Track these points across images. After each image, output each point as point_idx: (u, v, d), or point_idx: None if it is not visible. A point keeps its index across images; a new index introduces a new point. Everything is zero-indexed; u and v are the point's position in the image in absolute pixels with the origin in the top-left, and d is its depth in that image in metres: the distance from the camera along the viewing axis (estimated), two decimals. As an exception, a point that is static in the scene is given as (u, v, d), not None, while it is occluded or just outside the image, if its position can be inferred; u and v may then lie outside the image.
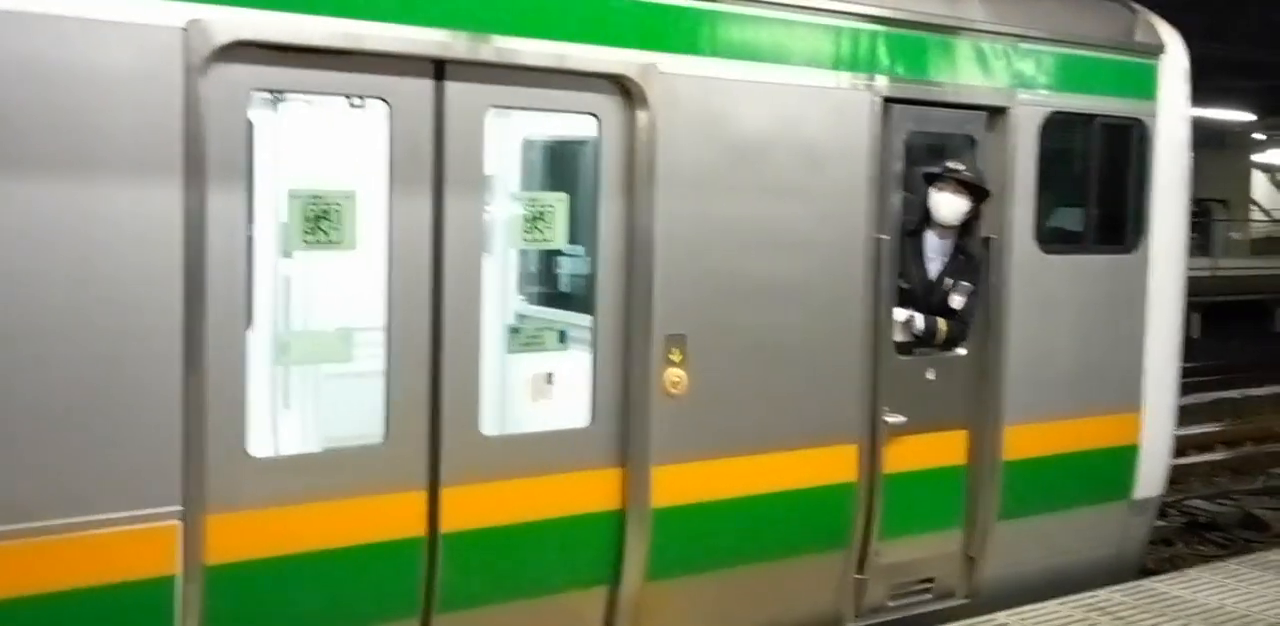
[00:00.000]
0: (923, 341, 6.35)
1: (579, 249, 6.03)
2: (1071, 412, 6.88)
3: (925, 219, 6.43)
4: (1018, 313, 6.59)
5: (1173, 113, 7.16)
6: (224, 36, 4.37)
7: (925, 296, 6.36)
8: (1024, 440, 6.64)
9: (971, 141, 6.50)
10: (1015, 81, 6.52)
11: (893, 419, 6.12)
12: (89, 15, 4.16)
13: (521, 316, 6.70)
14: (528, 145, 6.79)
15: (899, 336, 6.27)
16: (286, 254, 6.16)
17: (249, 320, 4.85)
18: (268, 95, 5.94)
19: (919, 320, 6.31)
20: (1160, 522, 9.50)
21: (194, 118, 4.32)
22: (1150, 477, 7.34)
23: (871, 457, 6.11)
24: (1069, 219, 7.04)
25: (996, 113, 6.50)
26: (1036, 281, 6.66)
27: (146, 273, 4.30)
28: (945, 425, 6.44)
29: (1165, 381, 7.31)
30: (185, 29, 4.30)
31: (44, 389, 4.17)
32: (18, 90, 4.07)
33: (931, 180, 6.39)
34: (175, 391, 4.36)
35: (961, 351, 6.51)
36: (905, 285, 6.28)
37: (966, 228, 6.45)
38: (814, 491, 5.94)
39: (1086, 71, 6.82)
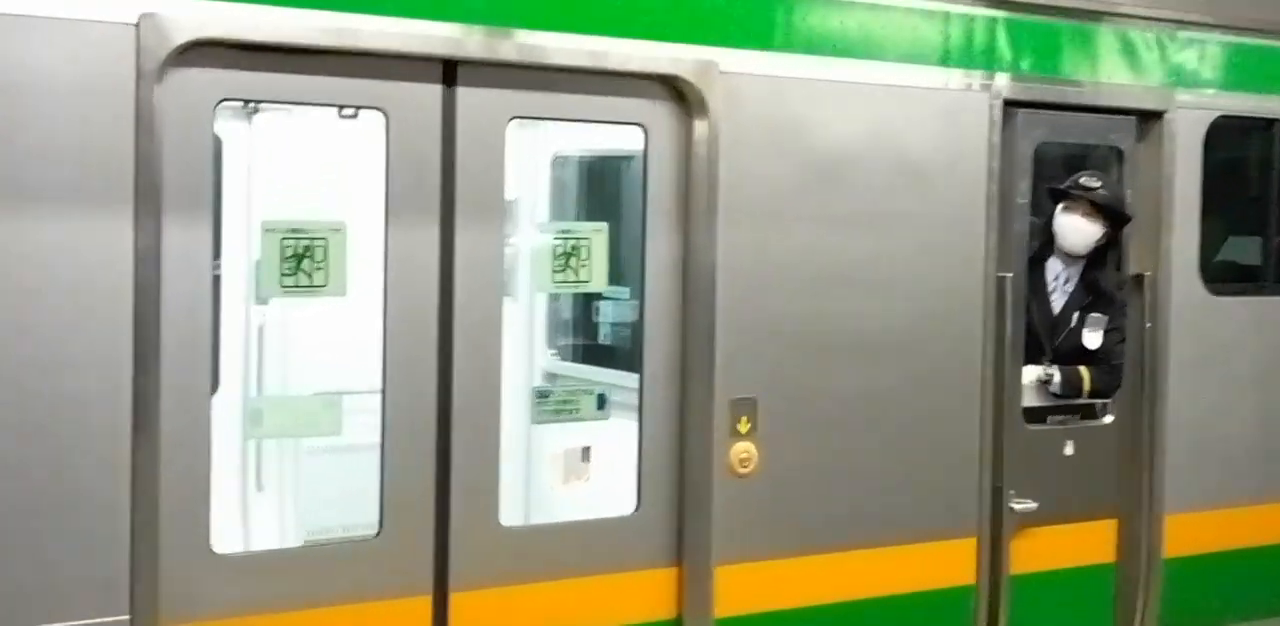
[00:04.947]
0: (1064, 396, 6.35)
1: (623, 292, 6.09)
2: (1252, 496, 6.85)
3: (1047, 243, 6.45)
4: (1180, 369, 6.56)
5: (1377, 114, 7.13)
6: (185, 34, 4.45)
7: (1049, 336, 6.37)
8: (1191, 532, 6.59)
9: (1118, 154, 6.51)
10: (1173, 78, 6.54)
11: (1021, 505, 6.10)
12: (15, 10, 4.24)
13: (552, 376, 6.75)
14: (559, 163, 6.87)
15: (1031, 399, 6.26)
16: (262, 300, 6.26)
17: (215, 383, 4.92)
18: (239, 105, 6.06)
19: (1056, 376, 6.30)
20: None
21: (147, 134, 4.40)
22: (1359, 579, 7.23)
23: (994, 555, 6.09)
24: (1243, 250, 7.03)
25: (1149, 117, 6.52)
26: (1203, 329, 6.64)
27: (88, 325, 4.37)
28: (1089, 513, 6.42)
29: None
30: (137, 25, 4.39)
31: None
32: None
33: (1058, 198, 6.41)
34: (122, 472, 4.41)
35: (1108, 418, 6.48)
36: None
37: (1097, 257, 6.45)
38: (921, 598, 5.92)
39: (1264, 65, 6.83)
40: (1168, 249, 6.53)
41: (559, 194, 6.95)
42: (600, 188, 6.94)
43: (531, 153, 6.75)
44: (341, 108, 5.56)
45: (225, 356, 6.22)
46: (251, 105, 6.10)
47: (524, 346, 6.65)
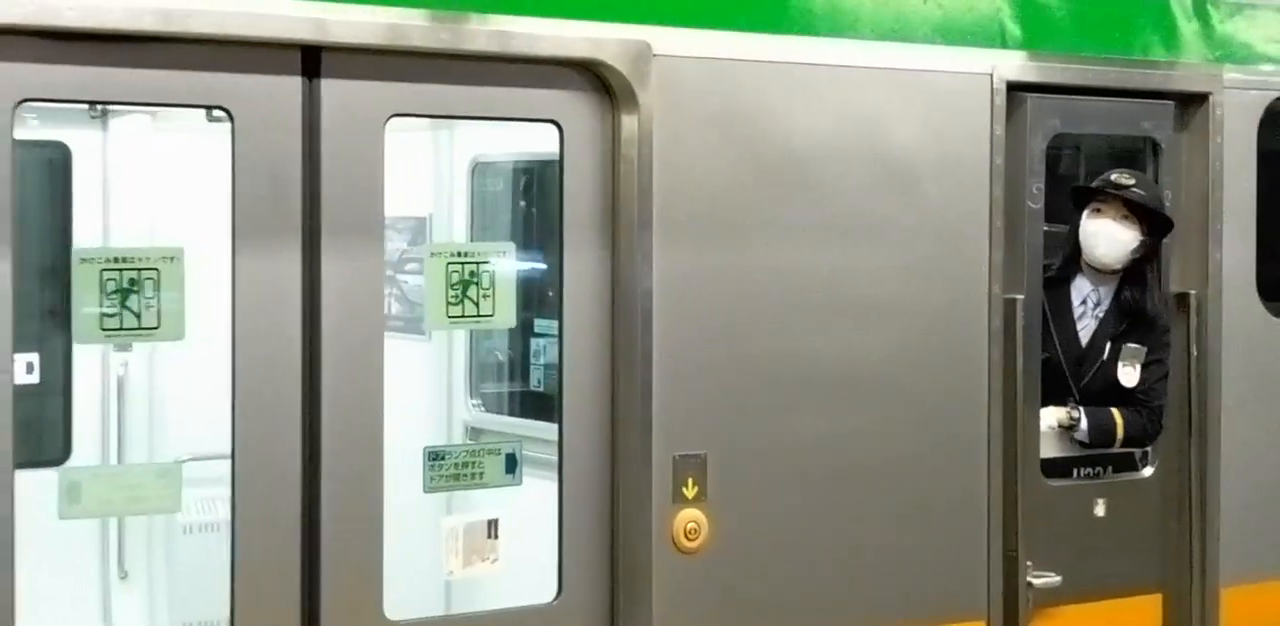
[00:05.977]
0: (1093, 444, 6.35)
1: (550, 325, 5.98)
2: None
3: (1072, 258, 6.43)
4: (1236, 407, 6.54)
5: None
6: (-25, 22, 4.40)
7: (1075, 372, 6.36)
8: (1252, 608, 6.55)
9: (1153, 147, 6.50)
10: (1220, 54, 6.55)
11: (1041, 579, 6.05)
12: None
13: (476, 431, 6.72)
14: (482, 171, 6.84)
15: (1052, 449, 6.25)
16: (123, 347, 6.25)
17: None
18: (85, 108, 6.10)
19: (1083, 420, 6.29)
20: None
21: None
22: None
23: (1009, 640, 6.07)
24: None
25: (1192, 101, 6.51)
26: (1262, 359, 6.65)
27: None
28: (1126, 587, 6.38)
29: None
30: (-88, 11, 4.35)
31: None
32: None
33: (1085, 200, 6.38)
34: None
35: (1148, 471, 6.45)
36: (1042, 355, 6.27)
37: (1133, 273, 6.42)
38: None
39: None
40: (1217, 262, 6.53)
41: (483, 209, 6.90)
42: (536, 199, 6.88)
43: (446, 158, 6.69)
44: (185, 107, 5.53)
45: (80, 414, 6.18)
46: (98, 108, 6.05)
47: (441, 396, 6.60)
